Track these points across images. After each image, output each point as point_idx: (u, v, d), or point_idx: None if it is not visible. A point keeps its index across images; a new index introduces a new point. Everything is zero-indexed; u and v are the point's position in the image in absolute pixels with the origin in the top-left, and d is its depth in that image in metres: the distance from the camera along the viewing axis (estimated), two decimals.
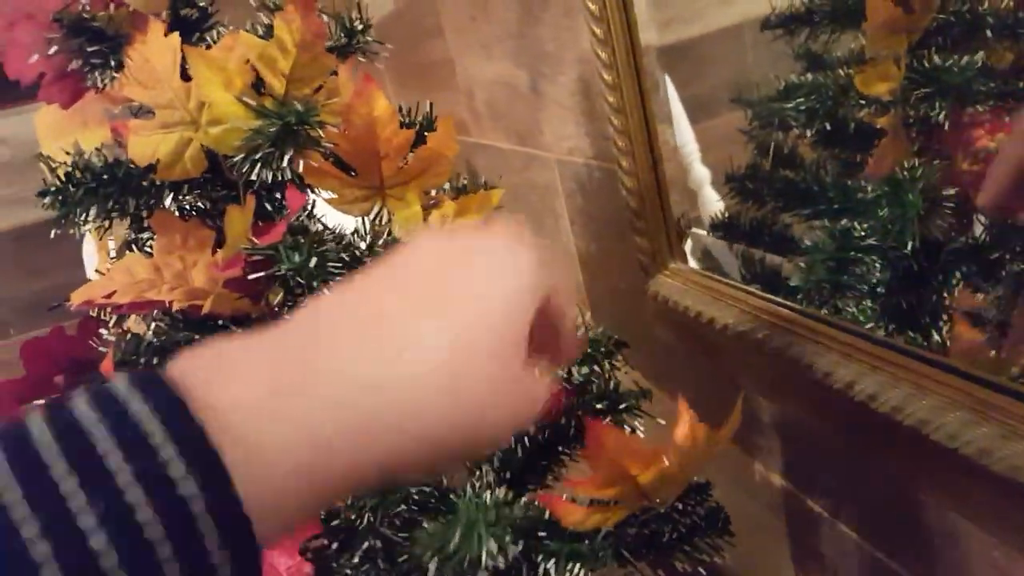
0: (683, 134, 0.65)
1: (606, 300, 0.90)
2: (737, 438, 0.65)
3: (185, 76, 0.44)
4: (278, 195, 0.49)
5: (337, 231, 0.50)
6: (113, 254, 0.52)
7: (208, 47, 0.45)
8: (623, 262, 0.77)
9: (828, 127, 0.56)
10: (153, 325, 0.45)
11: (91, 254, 1.22)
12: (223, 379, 0.20)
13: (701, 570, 0.54)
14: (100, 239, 0.53)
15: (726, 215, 0.64)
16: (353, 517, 0.41)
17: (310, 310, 0.23)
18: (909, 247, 0.48)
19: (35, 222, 1.53)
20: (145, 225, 0.51)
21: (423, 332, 0.22)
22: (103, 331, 0.47)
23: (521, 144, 0.99)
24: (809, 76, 0.56)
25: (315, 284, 0.43)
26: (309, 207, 0.49)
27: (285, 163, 0.43)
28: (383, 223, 0.50)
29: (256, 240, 0.42)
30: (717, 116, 0.67)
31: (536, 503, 0.44)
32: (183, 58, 0.43)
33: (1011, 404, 0.33)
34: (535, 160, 0.96)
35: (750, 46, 0.63)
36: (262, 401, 0.20)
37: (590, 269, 0.91)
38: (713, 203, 0.66)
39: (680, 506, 0.52)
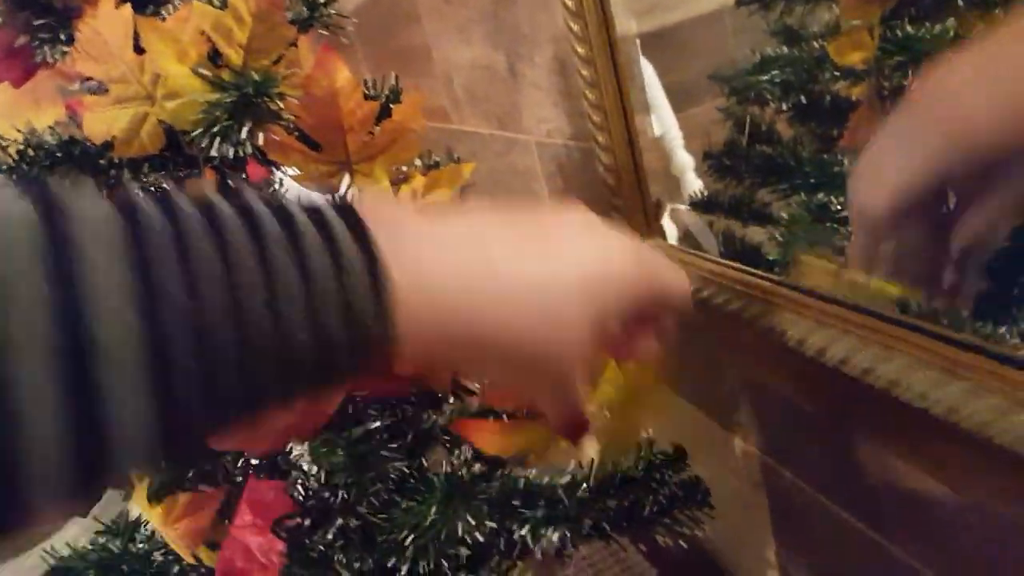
0: (665, 121, 0.64)
1: None
2: (715, 414, 0.64)
3: (138, 49, 0.42)
4: (241, 172, 0.48)
5: None
6: None
7: (162, 19, 0.43)
8: None
9: (804, 100, 0.55)
10: None
11: None
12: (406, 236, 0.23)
13: (682, 543, 0.53)
14: None
15: (704, 193, 0.63)
16: (327, 495, 0.40)
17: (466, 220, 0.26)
18: None
19: None
20: None
21: (565, 254, 0.26)
22: None
23: (501, 128, 0.98)
24: (784, 49, 0.55)
25: None
26: (276, 184, 0.48)
27: (244, 136, 0.41)
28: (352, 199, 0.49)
29: None
30: (700, 103, 0.67)
31: (510, 474, 0.43)
32: (136, 31, 0.42)
33: (978, 360, 0.33)
34: (515, 144, 0.95)
35: (731, 32, 0.62)
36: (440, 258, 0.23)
37: None
38: (696, 188, 0.65)
39: (658, 475, 0.51)
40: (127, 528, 0.52)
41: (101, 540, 0.52)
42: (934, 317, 0.39)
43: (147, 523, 0.53)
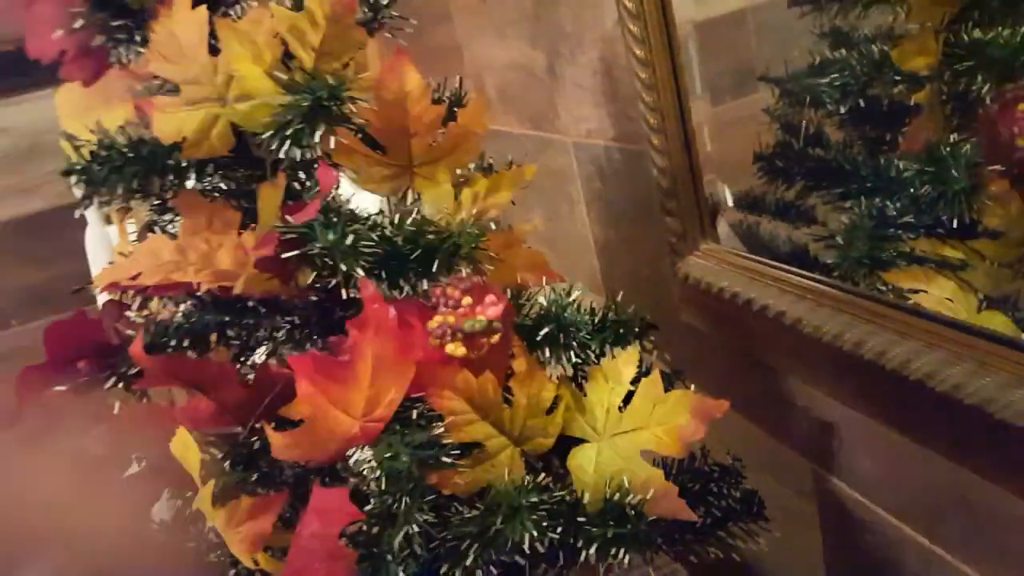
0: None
1: (625, 287, 0.89)
2: (767, 424, 0.64)
3: (211, 51, 0.42)
4: (303, 174, 0.48)
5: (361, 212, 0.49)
6: (133, 237, 0.51)
7: (235, 20, 0.43)
8: (644, 247, 0.75)
9: (862, 103, 0.55)
10: (182, 307, 0.44)
11: (94, 244, 1.21)
12: None
13: (735, 556, 0.53)
14: (121, 221, 0.51)
15: (751, 196, 0.63)
16: (390, 502, 0.40)
17: None
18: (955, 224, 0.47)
19: (36, 212, 1.52)
20: (167, 206, 0.49)
21: None
22: (129, 314, 0.46)
23: (535, 128, 0.97)
24: (843, 51, 0.55)
25: (346, 265, 0.42)
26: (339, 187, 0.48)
27: (316, 139, 0.41)
28: (410, 203, 0.49)
29: (289, 218, 0.40)
30: (723, 103, 0.66)
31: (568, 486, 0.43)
32: (210, 32, 0.42)
33: None
34: (550, 144, 0.94)
35: (753, 32, 0.62)
36: None
37: (607, 255, 0.90)
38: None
39: (714, 488, 0.51)
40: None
41: None
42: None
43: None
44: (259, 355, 0.46)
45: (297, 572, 0.36)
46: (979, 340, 0.40)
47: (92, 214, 1.23)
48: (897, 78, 0.52)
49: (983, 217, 0.46)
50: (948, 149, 0.48)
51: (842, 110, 0.56)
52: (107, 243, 1.17)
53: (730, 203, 0.64)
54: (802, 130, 0.60)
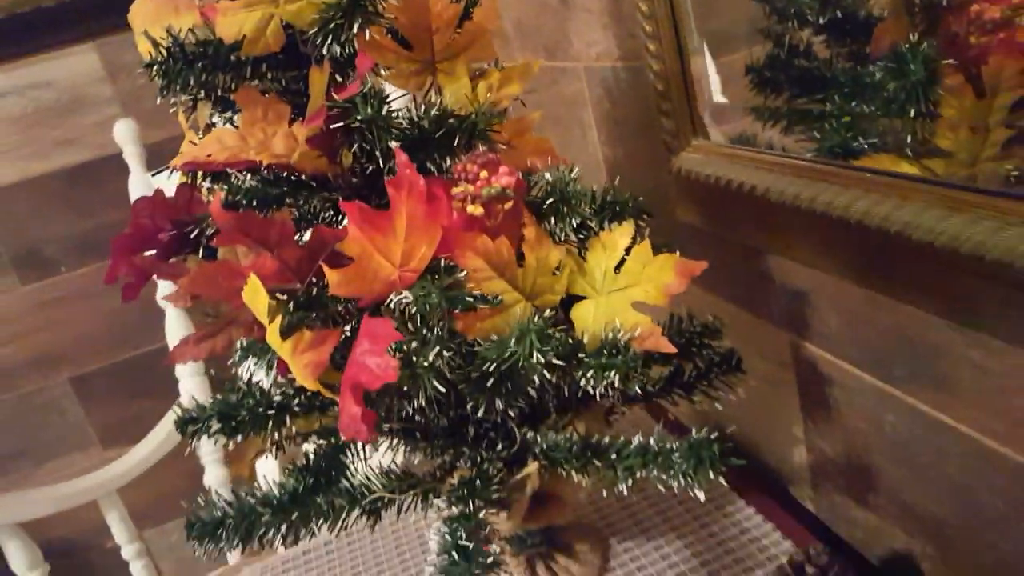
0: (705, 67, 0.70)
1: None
2: (751, 305, 0.72)
3: None
4: (342, 71, 0.56)
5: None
6: (200, 133, 0.60)
7: None
8: (646, 157, 0.83)
9: (839, 14, 0.61)
10: (249, 178, 0.53)
11: (137, 189, 1.30)
12: None
13: (719, 405, 0.61)
14: (187, 120, 0.60)
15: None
16: (424, 331, 0.48)
17: None
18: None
19: (80, 163, 1.62)
20: (228, 105, 0.58)
21: None
22: (205, 187, 0.55)
23: (550, 58, 1.04)
24: None
25: (381, 138, 0.50)
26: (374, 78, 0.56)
27: (354, 34, 0.49)
28: (433, 97, 0.57)
29: (335, 95, 0.49)
30: (737, 51, 0.72)
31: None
32: None
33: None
34: (564, 73, 1.01)
35: None
36: None
37: (615, 172, 0.97)
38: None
39: (697, 342, 0.59)
40: (239, 385, 0.62)
41: (219, 396, 0.62)
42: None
43: (260, 382, 0.63)
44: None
45: (353, 377, 0.45)
46: (921, 184, 0.47)
47: (134, 161, 1.32)
48: None
49: (941, 109, 0.53)
50: (907, 47, 0.54)
51: (821, 21, 0.62)
52: (150, 189, 1.27)
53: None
54: (786, 42, 0.66)
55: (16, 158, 1.62)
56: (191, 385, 1.31)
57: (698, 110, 0.66)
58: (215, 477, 1.30)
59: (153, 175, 0.58)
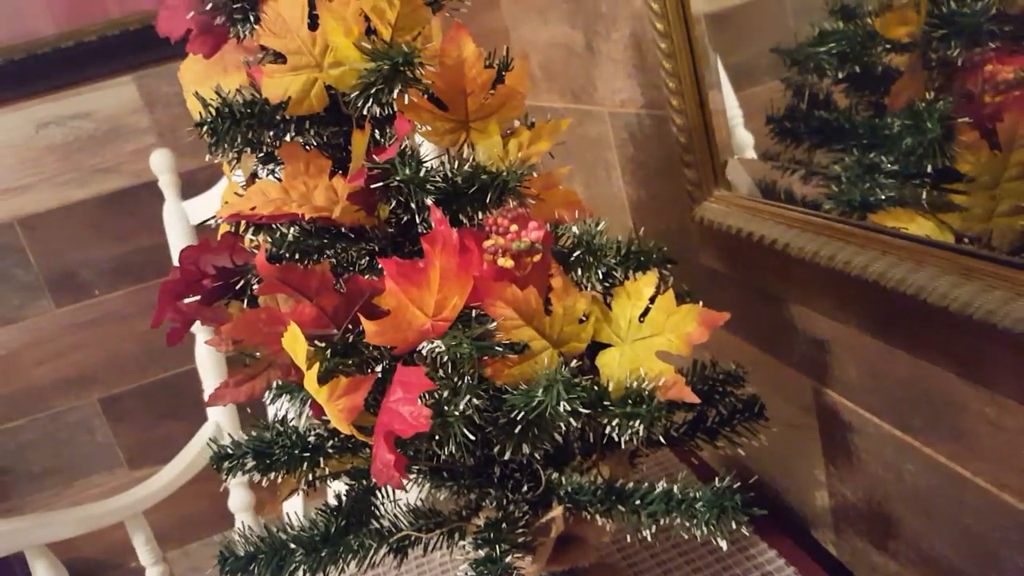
0: (727, 100, 0.72)
1: (654, 239, 0.98)
2: (773, 349, 0.73)
3: (311, 26, 0.53)
4: (378, 131, 0.59)
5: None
6: (242, 182, 0.63)
7: (329, 1, 0.54)
8: (669, 202, 0.85)
9: (857, 70, 0.63)
10: (292, 229, 0.55)
11: (172, 217, 1.34)
12: None
13: (741, 451, 0.63)
14: (231, 171, 0.63)
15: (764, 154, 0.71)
16: (455, 380, 0.51)
17: None
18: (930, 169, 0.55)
19: (116, 190, 1.67)
20: (270, 157, 0.61)
21: None
22: (249, 237, 0.58)
23: (575, 101, 1.07)
24: (840, 24, 0.63)
25: (418, 196, 0.53)
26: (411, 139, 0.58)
27: (394, 97, 0.52)
28: (466, 152, 0.59)
29: (376, 157, 0.51)
30: (760, 83, 0.75)
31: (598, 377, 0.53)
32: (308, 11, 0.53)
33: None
34: (588, 115, 1.04)
35: (791, 13, 0.70)
36: None
37: (639, 213, 0.99)
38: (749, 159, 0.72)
39: (720, 390, 0.61)
40: (275, 424, 0.65)
41: (254, 433, 0.65)
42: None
43: (293, 420, 0.65)
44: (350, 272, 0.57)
45: (387, 424, 0.47)
46: (935, 249, 0.49)
47: (169, 190, 1.36)
48: (887, 46, 0.60)
49: (957, 165, 0.54)
50: (924, 105, 0.56)
51: (840, 76, 0.64)
52: (183, 216, 1.31)
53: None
54: (806, 94, 0.68)
55: (55, 184, 1.67)
56: (218, 410, 1.34)
57: (720, 161, 0.68)
58: (239, 502, 1.33)
59: (201, 224, 0.61)
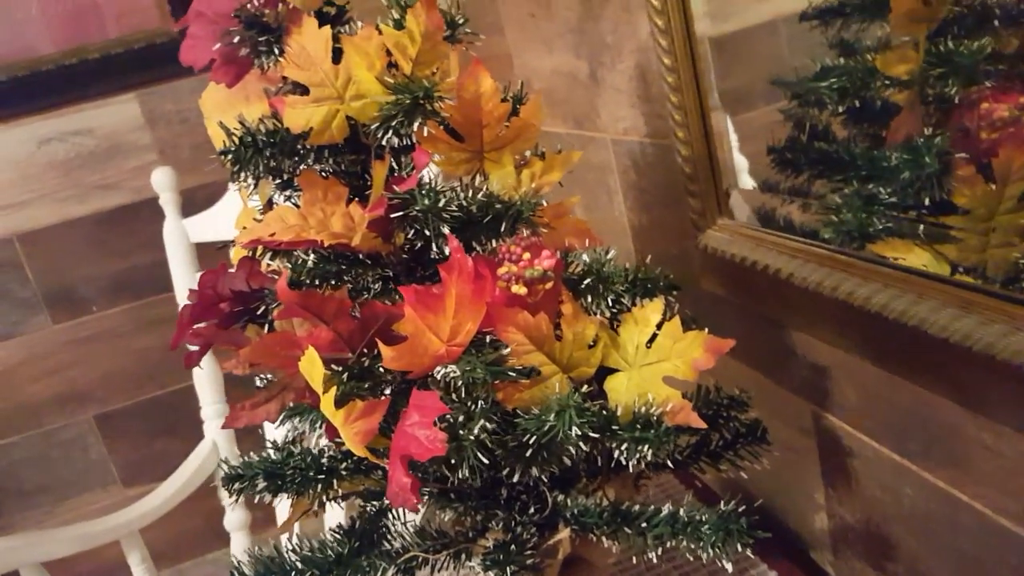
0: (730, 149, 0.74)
1: (656, 264, 1.00)
2: (773, 374, 0.75)
3: (333, 59, 0.55)
4: (398, 158, 0.60)
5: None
6: (259, 207, 0.64)
7: (351, 36, 0.56)
8: (671, 229, 0.87)
9: (857, 104, 0.65)
10: (311, 256, 0.57)
11: (172, 234, 1.35)
12: None
13: (743, 474, 0.64)
14: (248, 196, 0.65)
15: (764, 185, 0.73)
16: (469, 404, 0.52)
17: None
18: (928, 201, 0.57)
19: (116, 207, 1.68)
20: (289, 184, 0.63)
21: None
22: (269, 263, 0.59)
23: (578, 128, 1.09)
24: (841, 60, 0.65)
25: (435, 224, 0.54)
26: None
27: (413, 129, 0.54)
28: (481, 182, 0.61)
29: (395, 188, 0.53)
30: (755, 108, 0.77)
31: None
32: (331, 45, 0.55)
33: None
34: (591, 142, 1.06)
35: (785, 42, 0.72)
36: None
37: (641, 238, 1.01)
38: (750, 186, 0.75)
39: (724, 415, 0.63)
40: (286, 444, 0.66)
41: (265, 455, 0.66)
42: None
43: (304, 441, 0.66)
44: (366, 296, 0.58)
45: (403, 448, 0.49)
46: (935, 283, 0.51)
47: (170, 207, 1.37)
48: (886, 82, 0.63)
49: (953, 197, 0.57)
50: (922, 140, 0.58)
51: (840, 110, 0.67)
52: (183, 234, 1.32)
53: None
54: (807, 127, 0.71)
55: (55, 200, 1.68)
56: (216, 427, 1.34)
57: (723, 191, 0.71)
58: (235, 520, 1.32)
59: (218, 249, 0.62)
